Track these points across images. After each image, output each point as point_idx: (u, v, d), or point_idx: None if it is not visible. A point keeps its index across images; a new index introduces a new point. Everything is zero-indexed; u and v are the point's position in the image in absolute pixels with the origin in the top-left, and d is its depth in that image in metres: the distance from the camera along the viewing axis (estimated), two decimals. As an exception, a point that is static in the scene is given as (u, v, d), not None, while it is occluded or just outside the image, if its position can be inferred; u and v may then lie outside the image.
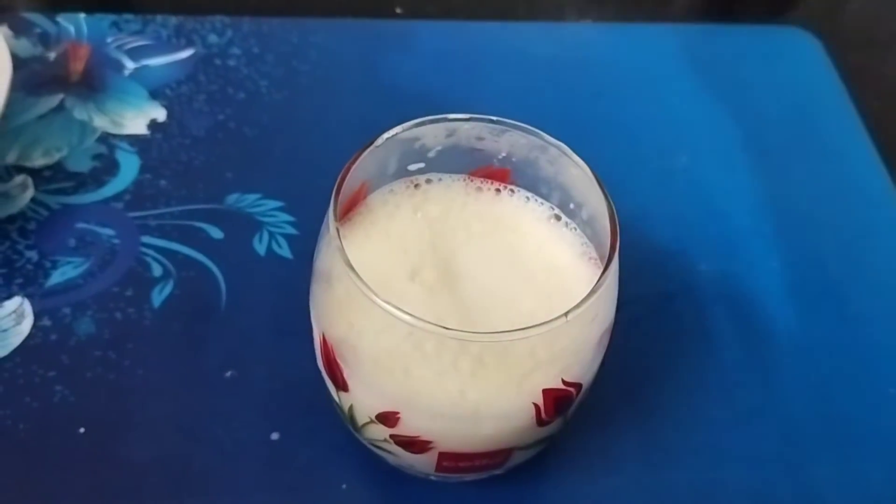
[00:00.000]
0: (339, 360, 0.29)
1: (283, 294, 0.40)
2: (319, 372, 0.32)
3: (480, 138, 0.33)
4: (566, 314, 0.26)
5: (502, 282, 0.31)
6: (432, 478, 0.34)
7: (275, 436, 0.36)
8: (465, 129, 0.32)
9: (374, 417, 0.29)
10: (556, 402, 0.28)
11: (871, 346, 0.41)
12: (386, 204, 0.33)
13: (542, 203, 0.33)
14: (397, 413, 0.28)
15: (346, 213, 0.32)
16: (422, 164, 0.33)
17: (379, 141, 0.31)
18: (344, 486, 0.35)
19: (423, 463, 0.31)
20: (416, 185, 0.34)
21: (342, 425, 0.34)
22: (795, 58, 0.54)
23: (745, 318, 0.41)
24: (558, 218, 0.33)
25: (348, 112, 0.47)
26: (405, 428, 0.29)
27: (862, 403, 0.39)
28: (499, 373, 0.27)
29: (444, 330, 0.26)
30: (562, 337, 0.27)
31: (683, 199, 0.46)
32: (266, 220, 0.42)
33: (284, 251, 0.41)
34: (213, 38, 0.50)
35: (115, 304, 0.39)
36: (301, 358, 0.35)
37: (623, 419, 0.37)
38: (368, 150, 0.30)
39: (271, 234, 0.42)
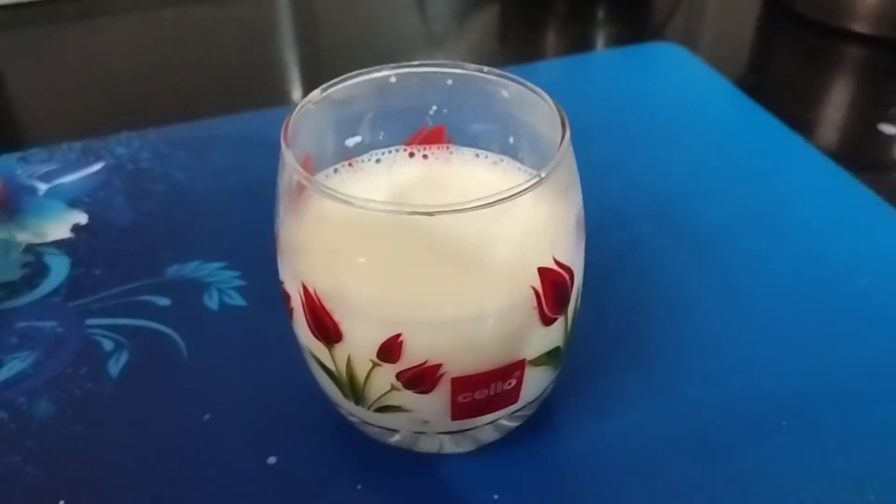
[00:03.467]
0: (327, 307, 0.28)
1: (245, 336, 0.38)
2: (302, 394, 0.34)
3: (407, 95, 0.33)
4: (539, 174, 0.26)
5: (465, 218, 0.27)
6: (447, 442, 0.32)
7: (272, 460, 0.33)
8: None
9: (375, 357, 0.28)
10: (555, 288, 0.28)
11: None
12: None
13: (486, 156, 0.34)
14: (399, 336, 0.27)
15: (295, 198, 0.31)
16: (359, 138, 0.34)
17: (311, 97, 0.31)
18: (359, 486, 0.32)
19: (437, 406, 0.29)
20: (359, 164, 0.34)
21: (339, 430, 0.33)
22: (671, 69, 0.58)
23: (698, 253, 0.42)
24: (502, 160, 0.34)
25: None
26: (410, 354, 0.28)
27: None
28: (490, 253, 0.27)
29: (431, 209, 0.25)
30: (542, 204, 0.27)
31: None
32: (212, 279, 0.41)
33: (237, 300, 0.40)
34: (121, 150, 0.50)
35: (72, 384, 0.36)
36: (280, 382, 0.36)
37: (619, 360, 0.37)
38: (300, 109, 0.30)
39: (220, 290, 0.41)
